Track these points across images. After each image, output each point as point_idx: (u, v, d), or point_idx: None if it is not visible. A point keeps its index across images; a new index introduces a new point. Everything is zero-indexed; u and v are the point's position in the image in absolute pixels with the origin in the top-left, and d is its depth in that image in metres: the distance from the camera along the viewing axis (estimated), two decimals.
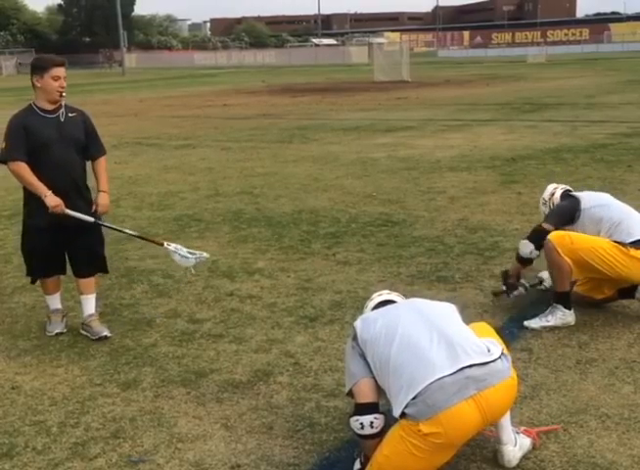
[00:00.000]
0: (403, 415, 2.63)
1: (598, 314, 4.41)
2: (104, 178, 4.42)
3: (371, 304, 3.24)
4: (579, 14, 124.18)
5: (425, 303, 3.09)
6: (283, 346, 4.16)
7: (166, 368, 3.92)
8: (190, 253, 4.37)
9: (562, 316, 4.22)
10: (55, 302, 4.55)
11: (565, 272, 4.14)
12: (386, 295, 3.28)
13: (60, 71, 4.16)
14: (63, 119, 4.22)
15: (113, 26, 64.63)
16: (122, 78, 48.50)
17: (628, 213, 4.35)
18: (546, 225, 4.36)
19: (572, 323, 4.23)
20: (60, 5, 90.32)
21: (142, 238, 4.84)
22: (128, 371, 3.91)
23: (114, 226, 4.60)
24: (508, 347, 2.98)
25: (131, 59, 71.72)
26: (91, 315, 4.45)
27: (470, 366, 2.65)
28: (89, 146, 4.36)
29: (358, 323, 2.98)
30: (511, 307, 4.58)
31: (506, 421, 2.89)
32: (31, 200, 4.23)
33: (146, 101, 24.59)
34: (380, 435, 2.77)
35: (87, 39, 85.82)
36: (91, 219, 4.25)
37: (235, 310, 4.75)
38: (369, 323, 2.94)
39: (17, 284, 5.50)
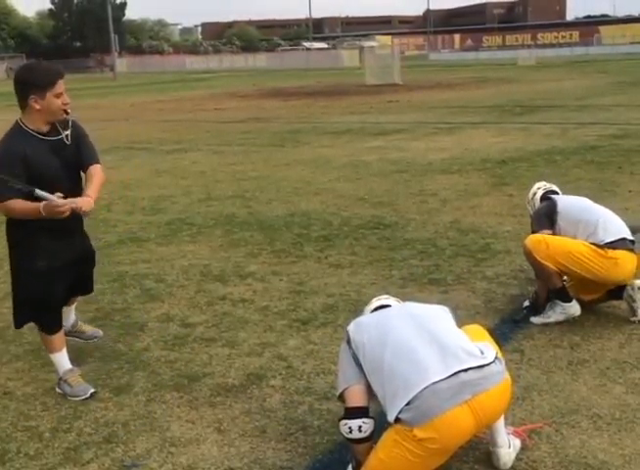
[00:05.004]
0: (397, 420, 2.62)
1: (589, 315, 4.43)
2: (94, 184, 3.46)
3: (369, 308, 3.27)
4: (569, 16, 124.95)
5: (418, 306, 3.10)
6: (275, 349, 4.16)
7: (159, 372, 3.91)
8: None
9: (562, 311, 4.23)
10: (65, 360, 3.76)
11: (550, 272, 4.16)
12: (384, 299, 3.30)
13: (62, 85, 3.30)
14: (69, 142, 3.39)
15: (104, 31, 64.59)
16: (114, 83, 48.37)
17: (605, 215, 4.34)
18: (544, 232, 4.30)
19: (578, 313, 4.22)
20: (50, 9, 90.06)
21: None
22: (121, 376, 3.90)
23: None
24: (500, 348, 2.99)
25: (122, 63, 71.58)
26: (77, 321, 4.19)
27: (465, 370, 2.63)
28: (80, 155, 3.49)
29: (351, 327, 2.98)
30: (503, 309, 4.60)
31: (500, 424, 2.89)
32: (26, 238, 3.44)
33: (137, 105, 24.54)
34: (369, 439, 2.78)
35: (78, 44, 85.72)
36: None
37: (227, 314, 4.74)
38: (362, 327, 2.94)
39: (7, 289, 5.47)
